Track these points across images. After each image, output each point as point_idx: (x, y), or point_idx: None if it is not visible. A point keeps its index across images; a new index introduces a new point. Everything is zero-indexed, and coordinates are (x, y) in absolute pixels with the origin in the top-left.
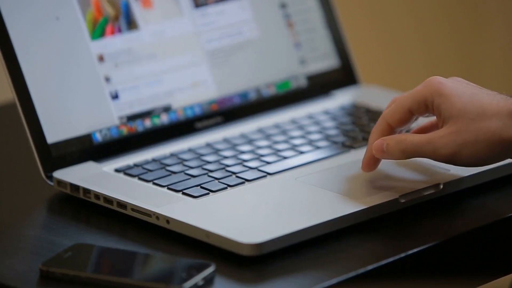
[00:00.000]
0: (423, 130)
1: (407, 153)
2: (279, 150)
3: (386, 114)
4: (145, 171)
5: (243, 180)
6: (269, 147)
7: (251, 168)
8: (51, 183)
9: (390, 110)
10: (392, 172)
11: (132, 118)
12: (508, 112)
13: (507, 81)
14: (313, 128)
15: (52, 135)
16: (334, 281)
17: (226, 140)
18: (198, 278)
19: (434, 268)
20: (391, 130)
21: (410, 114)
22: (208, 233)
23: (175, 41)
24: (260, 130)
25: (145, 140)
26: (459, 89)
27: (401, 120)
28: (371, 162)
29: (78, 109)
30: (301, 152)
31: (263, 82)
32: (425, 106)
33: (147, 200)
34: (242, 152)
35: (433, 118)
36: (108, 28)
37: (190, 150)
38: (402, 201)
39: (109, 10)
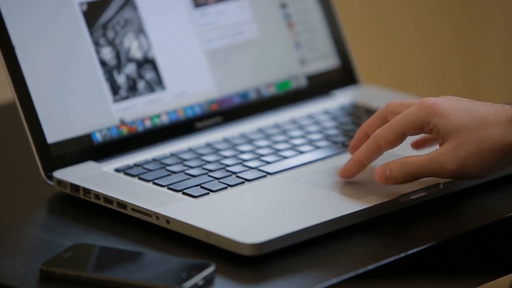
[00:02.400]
0: (419, 144)
1: (412, 175)
2: (279, 150)
3: (378, 136)
4: (145, 171)
5: (243, 180)
6: (269, 147)
7: (251, 168)
8: (51, 183)
9: (383, 132)
10: None
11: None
12: (506, 119)
13: (507, 81)
14: (313, 128)
15: (52, 135)
16: (334, 281)
17: (226, 140)
18: (198, 278)
19: (434, 268)
20: (380, 151)
21: (402, 136)
22: (208, 233)
23: None
24: (260, 130)
25: (145, 140)
26: (454, 105)
27: (394, 142)
28: (350, 172)
29: (78, 109)
30: (301, 152)
31: (263, 82)
32: (420, 128)
33: (147, 200)
34: (242, 152)
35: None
36: None
37: (190, 150)
38: (402, 201)
39: None
